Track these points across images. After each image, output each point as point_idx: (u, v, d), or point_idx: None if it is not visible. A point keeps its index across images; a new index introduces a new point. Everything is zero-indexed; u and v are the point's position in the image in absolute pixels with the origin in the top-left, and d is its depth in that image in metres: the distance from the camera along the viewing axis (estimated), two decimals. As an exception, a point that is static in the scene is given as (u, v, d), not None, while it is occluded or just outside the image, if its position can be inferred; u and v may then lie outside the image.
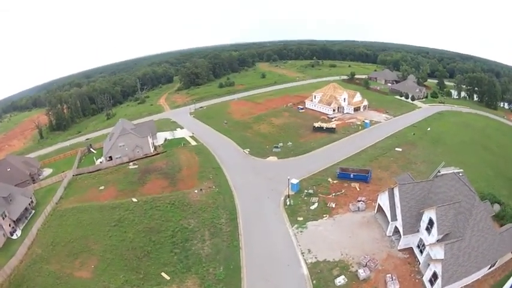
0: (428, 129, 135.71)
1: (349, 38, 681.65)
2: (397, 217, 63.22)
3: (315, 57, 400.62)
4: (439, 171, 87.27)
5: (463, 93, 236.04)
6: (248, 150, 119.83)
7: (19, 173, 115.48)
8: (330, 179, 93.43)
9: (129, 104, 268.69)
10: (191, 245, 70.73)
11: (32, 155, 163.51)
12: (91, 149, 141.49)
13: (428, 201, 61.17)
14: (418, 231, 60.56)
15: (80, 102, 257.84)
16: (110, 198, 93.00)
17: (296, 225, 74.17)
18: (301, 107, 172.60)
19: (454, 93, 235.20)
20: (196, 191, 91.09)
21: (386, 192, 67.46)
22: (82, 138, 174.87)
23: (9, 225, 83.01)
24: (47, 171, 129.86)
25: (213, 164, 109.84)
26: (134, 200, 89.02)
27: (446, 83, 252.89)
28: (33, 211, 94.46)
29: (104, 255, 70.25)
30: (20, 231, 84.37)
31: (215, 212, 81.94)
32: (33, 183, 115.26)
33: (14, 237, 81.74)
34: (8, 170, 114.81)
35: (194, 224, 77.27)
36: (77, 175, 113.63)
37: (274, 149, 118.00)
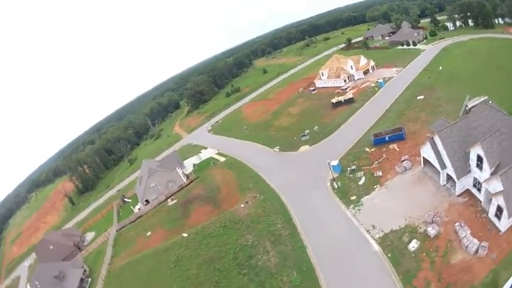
0: (440, 68, 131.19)
1: (332, 7, 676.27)
2: (446, 164, 60.12)
3: (306, 37, 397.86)
4: (466, 106, 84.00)
5: (458, 23, 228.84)
6: (278, 147, 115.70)
7: (63, 247, 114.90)
8: (367, 149, 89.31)
9: (146, 143, 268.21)
10: (256, 260, 66.86)
11: (70, 224, 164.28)
12: (125, 199, 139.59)
13: (470, 139, 57.48)
14: (469, 171, 57.28)
15: (99, 157, 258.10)
16: (160, 241, 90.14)
17: (352, 206, 70.57)
18: (313, 88, 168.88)
19: (450, 25, 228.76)
20: (242, 205, 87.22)
21: (428, 143, 63.63)
22: (113, 191, 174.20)
23: None
24: (90, 235, 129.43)
25: (249, 173, 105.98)
26: (185, 235, 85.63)
27: (439, 18, 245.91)
28: (89, 279, 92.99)
29: (172, 299, 67.03)
30: None
31: (268, 219, 77.91)
32: (80, 251, 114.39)
33: None
34: (51, 247, 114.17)
35: (252, 239, 73.32)
36: (120, 229, 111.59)
37: (303, 138, 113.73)
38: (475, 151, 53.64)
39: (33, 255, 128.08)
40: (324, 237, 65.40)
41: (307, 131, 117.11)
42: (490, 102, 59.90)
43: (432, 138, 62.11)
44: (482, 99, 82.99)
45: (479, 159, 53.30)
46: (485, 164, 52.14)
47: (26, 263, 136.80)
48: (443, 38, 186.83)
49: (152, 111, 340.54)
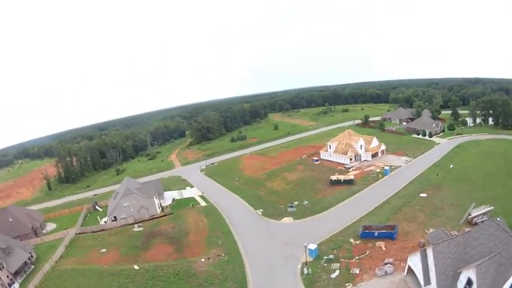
0: (451, 166, 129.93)
1: (358, 80, 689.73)
2: (431, 280, 56.05)
3: (326, 104, 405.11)
4: (470, 214, 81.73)
5: (478, 120, 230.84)
6: (261, 210, 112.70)
7: (21, 225, 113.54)
8: (352, 240, 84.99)
9: (140, 160, 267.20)
10: (193, 327, 62.52)
11: (39, 206, 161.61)
12: (97, 207, 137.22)
13: (466, 257, 54.28)
14: None
15: (90, 155, 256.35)
16: (111, 263, 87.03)
17: None
18: (316, 158, 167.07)
19: (469, 120, 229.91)
20: (203, 260, 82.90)
21: (418, 254, 59.99)
22: (90, 193, 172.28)
23: (7, 276, 79.88)
24: (51, 226, 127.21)
25: (223, 228, 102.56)
26: (136, 267, 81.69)
27: (460, 111, 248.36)
28: (33, 266, 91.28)
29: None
30: (18, 284, 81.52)
31: (223, 284, 73.10)
32: (36, 236, 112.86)
33: None
34: (10, 220, 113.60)
35: (199, 301, 69.11)
36: (79, 233, 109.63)
37: (289, 209, 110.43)
38: (467, 274, 50.18)
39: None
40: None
41: (295, 203, 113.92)
42: (498, 219, 56.46)
43: (425, 249, 59.00)
44: (487, 209, 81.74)
45: (469, 283, 49.69)
46: (473, 290, 48.40)
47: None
48: (460, 133, 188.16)
49: (157, 131, 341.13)
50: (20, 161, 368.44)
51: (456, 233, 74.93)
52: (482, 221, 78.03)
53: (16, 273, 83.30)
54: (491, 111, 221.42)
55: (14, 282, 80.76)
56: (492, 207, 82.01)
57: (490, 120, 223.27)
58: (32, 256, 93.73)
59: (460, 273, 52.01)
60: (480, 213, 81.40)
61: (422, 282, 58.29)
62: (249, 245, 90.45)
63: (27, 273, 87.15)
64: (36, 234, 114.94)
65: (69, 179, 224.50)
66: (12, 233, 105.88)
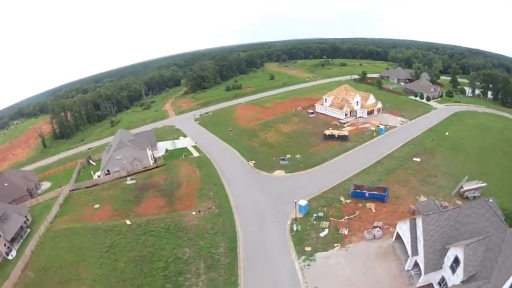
0: (447, 133, 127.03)
1: (358, 36, 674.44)
2: (419, 252, 55.10)
3: (324, 56, 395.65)
4: (462, 187, 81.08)
5: (477, 91, 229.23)
6: (253, 162, 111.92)
7: (17, 188, 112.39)
8: (342, 198, 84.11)
9: (134, 110, 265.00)
10: (184, 279, 63.13)
11: (35, 165, 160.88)
12: (90, 161, 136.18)
13: (455, 233, 52.96)
14: (441, 267, 52.63)
15: (85, 109, 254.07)
16: (104, 219, 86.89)
17: (303, 257, 65.13)
18: (311, 111, 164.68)
19: (468, 90, 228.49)
20: (194, 213, 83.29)
21: (408, 223, 58.76)
22: (85, 147, 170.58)
23: (4, 245, 79.36)
24: (46, 185, 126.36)
25: (215, 180, 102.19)
26: (128, 222, 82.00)
27: (460, 79, 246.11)
28: (29, 230, 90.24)
29: (93, 285, 64.25)
30: (15, 251, 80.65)
31: (213, 239, 73.85)
32: (31, 198, 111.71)
33: (10, 257, 78.11)
34: (6, 185, 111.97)
35: (189, 254, 69.62)
36: (73, 190, 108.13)
37: (282, 162, 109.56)
38: (455, 251, 49.47)
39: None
40: (261, 282, 60.90)
41: (288, 156, 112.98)
42: (491, 200, 54.73)
43: (414, 219, 57.88)
44: (480, 185, 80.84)
45: (456, 261, 49.06)
46: (460, 269, 47.91)
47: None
48: (458, 102, 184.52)
49: (151, 81, 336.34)
50: (15, 122, 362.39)
51: (447, 204, 74.91)
52: (474, 197, 78.75)
53: (13, 240, 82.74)
54: (491, 85, 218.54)
55: (11, 250, 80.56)
56: (485, 184, 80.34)
57: (489, 94, 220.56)
58: (27, 219, 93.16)
59: (448, 249, 51.45)
60: (472, 188, 79.88)
61: (409, 252, 57.85)
62: (240, 198, 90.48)
63: (24, 237, 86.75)
64: (31, 195, 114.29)
65: (64, 134, 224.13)
66: (8, 198, 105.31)
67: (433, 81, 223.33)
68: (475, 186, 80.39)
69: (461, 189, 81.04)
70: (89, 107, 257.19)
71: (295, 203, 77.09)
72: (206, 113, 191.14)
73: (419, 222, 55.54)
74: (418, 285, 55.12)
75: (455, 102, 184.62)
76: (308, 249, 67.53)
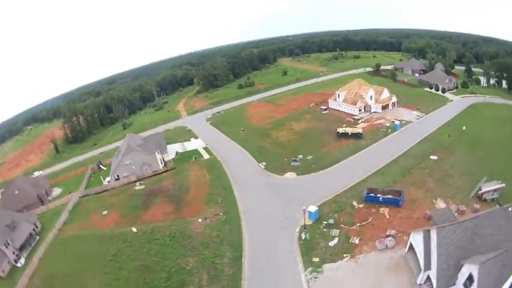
0: (464, 128, 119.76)
1: (371, 27, 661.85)
2: (432, 266, 51.00)
3: (338, 49, 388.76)
4: (480, 189, 76.63)
5: (492, 81, 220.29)
6: (264, 164, 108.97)
7: (27, 196, 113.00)
8: (355, 203, 79.74)
9: (147, 111, 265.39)
10: (187, 291, 61.05)
11: (47, 171, 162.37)
12: (101, 166, 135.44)
13: (471, 247, 48.71)
14: (454, 284, 48.59)
15: (97, 112, 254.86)
16: (111, 225, 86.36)
17: (310, 269, 61.29)
18: (324, 107, 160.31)
19: (483, 80, 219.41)
20: (200, 220, 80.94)
21: (422, 234, 54.54)
22: (97, 152, 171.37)
23: (13, 252, 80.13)
24: (57, 192, 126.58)
25: (224, 183, 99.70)
26: (134, 230, 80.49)
27: (474, 69, 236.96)
28: (38, 237, 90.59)
29: (97, 295, 62.90)
30: (24, 258, 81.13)
31: (218, 248, 71.25)
32: (42, 205, 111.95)
33: (19, 265, 78.82)
34: (16, 192, 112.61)
35: (192, 264, 67.27)
36: (83, 196, 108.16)
37: (293, 163, 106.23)
38: (470, 269, 45.61)
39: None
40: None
41: (300, 157, 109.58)
42: (510, 209, 50.58)
43: (428, 231, 53.72)
44: (499, 185, 76.00)
45: (470, 278, 45.29)
46: (473, 288, 44.41)
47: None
48: (474, 93, 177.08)
49: (164, 81, 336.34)
50: (29, 127, 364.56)
51: (464, 209, 70.88)
52: (492, 198, 74.24)
53: (22, 248, 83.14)
54: (505, 74, 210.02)
55: (20, 258, 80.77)
56: (503, 185, 74.91)
57: (504, 83, 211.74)
58: (36, 227, 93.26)
59: (462, 264, 47.47)
60: (491, 190, 74.78)
61: (422, 265, 53.69)
62: (248, 203, 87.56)
63: (32, 245, 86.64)
64: (42, 202, 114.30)
65: (76, 138, 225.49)
66: (19, 205, 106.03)
67: (447, 72, 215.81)
68: (494, 187, 75.54)
69: (479, 191, 76.62)
70: (101, 110, 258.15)
71: (304, 210, 73.57)
72: (218, 112, 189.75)
73: (433, 234, 51.50)
74: (429, 302, 51.10)
75: (471, 93, 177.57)
76: (316, 260, 63.77)
